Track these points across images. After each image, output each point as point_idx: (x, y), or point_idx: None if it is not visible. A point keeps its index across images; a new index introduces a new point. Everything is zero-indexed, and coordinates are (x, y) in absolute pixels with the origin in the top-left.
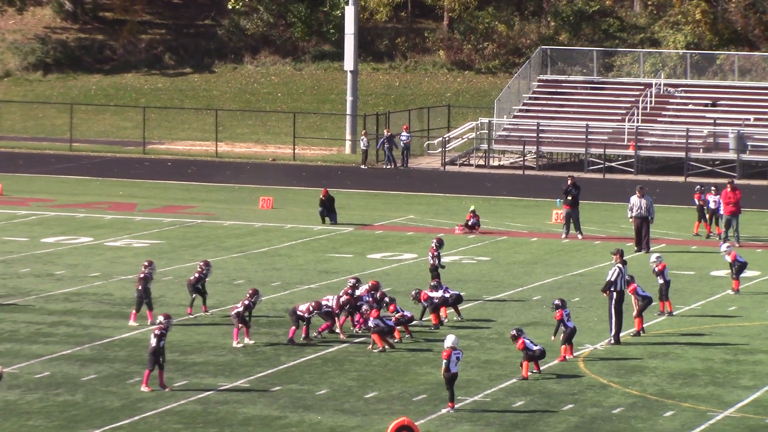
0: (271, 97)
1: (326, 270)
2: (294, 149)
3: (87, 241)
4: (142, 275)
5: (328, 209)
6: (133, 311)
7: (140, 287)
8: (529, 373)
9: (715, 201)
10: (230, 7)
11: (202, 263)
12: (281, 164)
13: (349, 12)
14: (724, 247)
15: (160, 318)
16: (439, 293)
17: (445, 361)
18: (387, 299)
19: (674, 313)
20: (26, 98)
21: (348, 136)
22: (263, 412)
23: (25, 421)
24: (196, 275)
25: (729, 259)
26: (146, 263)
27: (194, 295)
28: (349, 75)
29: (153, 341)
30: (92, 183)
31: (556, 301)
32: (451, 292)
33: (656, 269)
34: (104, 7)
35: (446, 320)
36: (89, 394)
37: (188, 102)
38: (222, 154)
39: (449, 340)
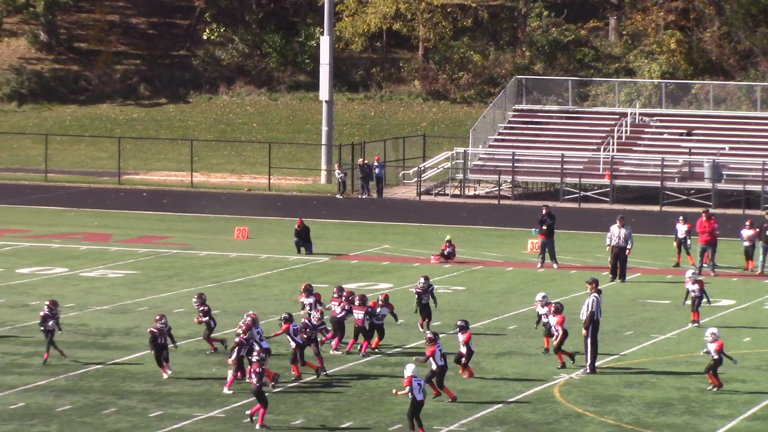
0: (247, 127)
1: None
2: (269, 179)
3: (62, 271)
4: (42, 313)
5: (303, 239)
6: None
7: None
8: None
9: (685, 231)
10: (205, 38)
11: (49, 303)
12: (256, 194)
13: (325, 42)
14: (689, 272)
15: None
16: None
17: (407, 388)
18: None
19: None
20: (1, 129)
21: (323, 166)
22: None
23: None
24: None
25: (692, 287)
26: (49, 303)
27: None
28: (324, 105)
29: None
30: (67, 213)
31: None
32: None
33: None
34: (79, 37)
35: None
36: (64, 425)
37: (163, 132)
38: (197, 184)
39: (409, 368)
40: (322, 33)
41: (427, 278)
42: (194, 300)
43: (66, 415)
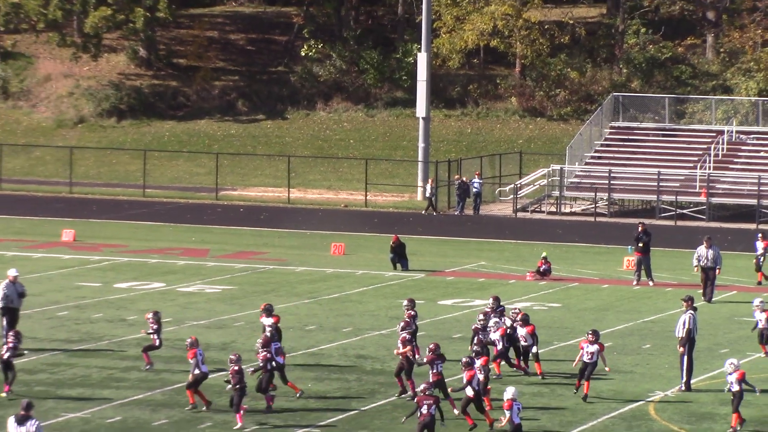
0: (343, 143)
1: (397, 316)
2: (366, 195)
3: (159, 286)
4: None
5: (399, 255)
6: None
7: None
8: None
9: (762, 248)
10: (303, 54)
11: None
12: (353, 210)
13: (422, 59)
14: (757, 301)
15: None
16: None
17: (507, 412)
18: None
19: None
20: (100, 144)
21: (420, 183)
22: None
23: None
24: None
25: (760, 316)
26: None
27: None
28: (421, 121)
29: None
30: (165, 229)
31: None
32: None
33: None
34: (178, 53)
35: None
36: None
37: (261, 148)
38: (294, 200)
39: (509, 391)
40: (419, 50)
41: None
42: (149, 317)
43: (162, 429)
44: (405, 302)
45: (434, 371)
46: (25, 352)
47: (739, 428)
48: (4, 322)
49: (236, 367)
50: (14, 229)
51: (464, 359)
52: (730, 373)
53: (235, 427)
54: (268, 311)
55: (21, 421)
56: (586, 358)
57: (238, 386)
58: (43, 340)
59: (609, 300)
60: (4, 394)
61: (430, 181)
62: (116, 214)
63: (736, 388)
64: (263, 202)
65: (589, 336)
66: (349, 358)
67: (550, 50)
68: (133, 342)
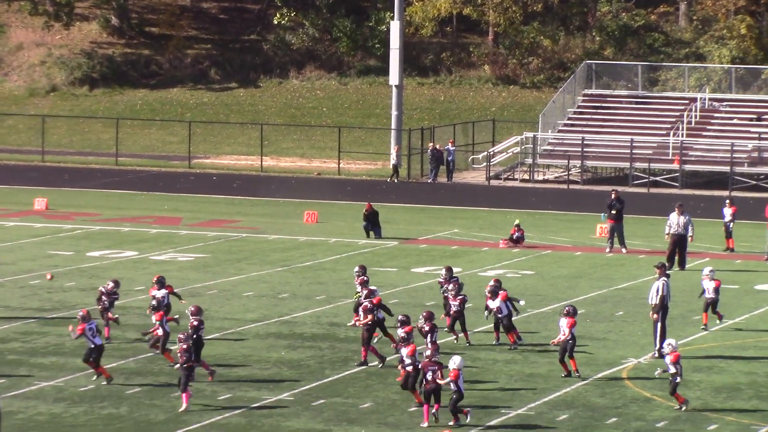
0: (316, 111)
1: (372, 284)
2: (339, 163)
3: (132, 255)
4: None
5: (372, 223)
6: None
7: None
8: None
9: (730, 214)
10: (276, 23)
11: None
12: (326, 178)
13: (395, 27)
14: (706, 270)
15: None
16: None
17: (452, 381)
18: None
19: (710, 328)
20: (72, 113)
21: (393, 151)
22: (307, 425)
23: None
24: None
25: (709, 285)
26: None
27: None
28: (394, 89)
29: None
30: (138, 197)
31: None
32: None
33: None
34: (150, 22)
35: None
36: (134, 408)
37: (234, 116)
38: (267, 169)
39: (455, 361)
40: (392, 18)
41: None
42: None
43: (135, 397)
44: (356, 269)
45: (432, 340)
46: None
47: (684, 408)
48: None
49: (184, 346)
50: None
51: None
52: (666, 354)
53: (180, 409)
54: (161, 283)
55: None
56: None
57: (186, 365)
58: (15, 309)
59: (582, 267)
60: None
61: (395, 148)
62: (89, 182)
63: (672, 370)
64: (236, 170)
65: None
66: (322, 326)
67: (523, 18)
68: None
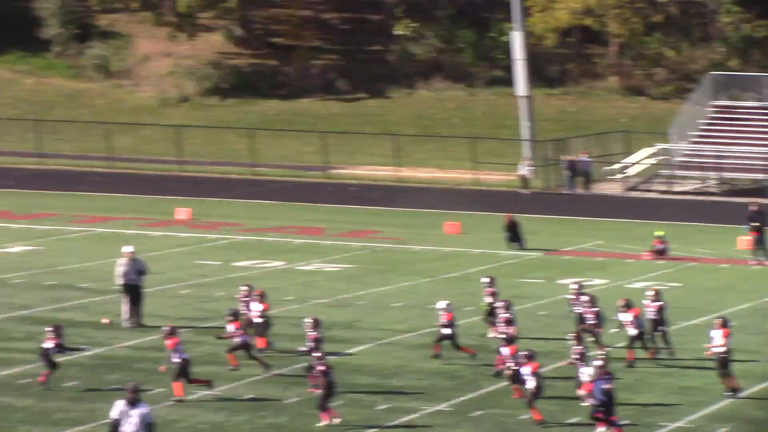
0: (448, 122)
1: (518, 295)
2: (474, 174)
3: (279, 264)
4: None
5: (514, 234)
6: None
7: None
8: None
9: None
10: (397, 33)
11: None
12: (463, 189)
13: (515, 38)
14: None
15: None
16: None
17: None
18: None
19: None
20: (206, 123)
21: (523, 163)
22: None
23: None
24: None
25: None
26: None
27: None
28: (521, 101)
29: None
30: (278, 207)
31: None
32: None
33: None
34: (274, 32)
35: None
36: (294, 417)
37: (366, 127)
38: (404, 179)
39: (587, 372)
40: (512, 29)
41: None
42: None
43: (295, 407)
44: (484, 279)
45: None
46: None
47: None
48: (127, 299)
49: (322, 368)
50: (130, 207)
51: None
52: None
53: (318, 424)
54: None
55: (133, 403)
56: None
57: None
58: (168, 318)
59: (729, 279)
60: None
61: (525, 161)
62: (228, 192)
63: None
64: (374, 180)
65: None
66: (473, 336)
67: (644, 29)
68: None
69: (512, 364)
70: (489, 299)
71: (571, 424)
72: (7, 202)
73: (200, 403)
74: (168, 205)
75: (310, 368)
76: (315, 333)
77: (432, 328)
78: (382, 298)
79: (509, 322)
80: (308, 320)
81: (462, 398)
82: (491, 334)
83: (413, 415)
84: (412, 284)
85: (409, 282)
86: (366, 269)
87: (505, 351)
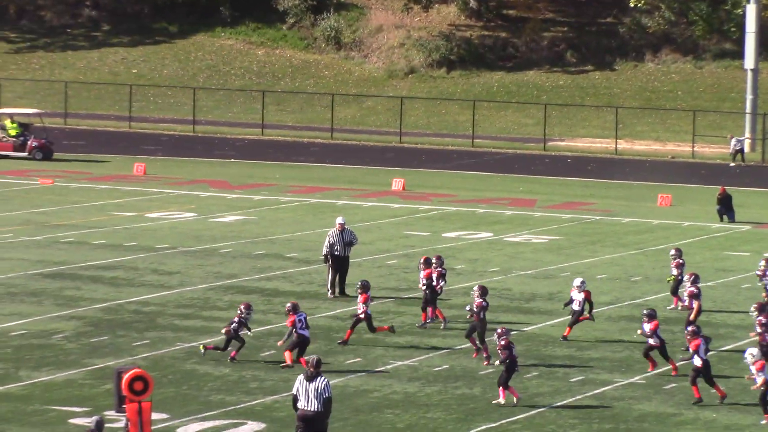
0: (671, 95)
1: (723, 268)
2: (693, 147)
3: (487, 236)
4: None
5: (726, 207)
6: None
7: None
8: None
9: None
10: (632, 5)
11: (243, 306)
12: (680, 162)
13: (750, 10)
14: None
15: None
16: None
17: (761, 373)
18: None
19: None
20: (430, 95)
21: (747, 135)
22: (658, 409)
23: (424, 413)
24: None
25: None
26: (243, 306)
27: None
28: (749, 73)
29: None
30: (493, 179)
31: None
32: None
33: None
34: (508, 5)
35: None
36: (487, 388)
37: (588, 99)
38: (621, 152)
39: (753, 351)
40: (748, 1)
41: None
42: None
43: (489, 378)
44: (672, 252)
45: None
46: (250, 333)
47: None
48: (332, 270)
49: (503, 342)
50: (345, 178)
51: (691, 328)
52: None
53: (495, 401)
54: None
55: (311, 378)
56: None
57: (507, 361)
58: (373, 288)
59: None
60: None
61: (730, 136)
62: (445, 163)
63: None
64: (590, 153)
65: None
66: (675, 309)
67: None
68: (460, 291)
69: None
70: (675, 271)
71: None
72: (226, 172)
73: (394, 373)
74: (384, 176)
75: (473, 330)
76: (481, 300)
77: (632, 300)
78: (586, 269)
79: (694, 296)
80: (476, 288)
81: (657, 371)
82: (670, 306)
83: (606, 387)
84: (619, 256)
85: (615, 254)
86: (573, 241)
87: (647, 327)
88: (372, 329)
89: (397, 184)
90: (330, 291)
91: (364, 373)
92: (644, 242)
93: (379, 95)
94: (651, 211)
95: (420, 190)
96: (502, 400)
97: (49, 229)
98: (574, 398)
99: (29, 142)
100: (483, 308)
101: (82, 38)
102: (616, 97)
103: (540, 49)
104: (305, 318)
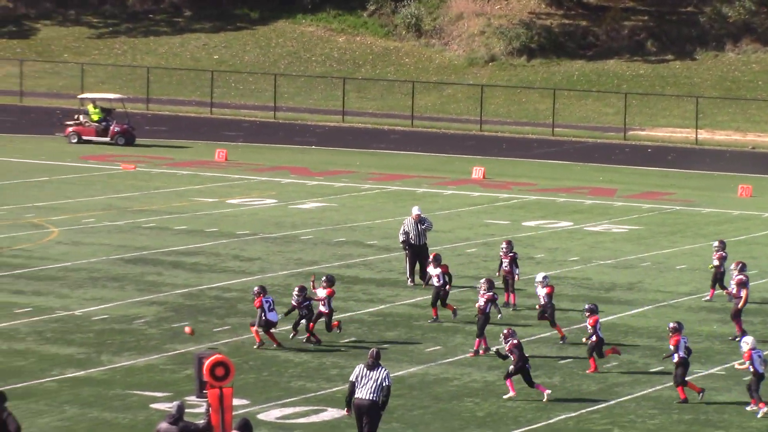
0: (752, 85)
1: None
2: None
3: (567, 225)
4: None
5: None
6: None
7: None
8: None
9: None
10: None
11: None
12: (761, 152)
13: None
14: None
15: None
16: None
17: (746, 362)
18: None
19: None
20: (510, 83)
21: None
22: (739, 399)
23: (503, 402)
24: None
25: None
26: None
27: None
28: None
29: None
30: (573, 168)
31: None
32: None
33: None
34: None
35: None
36: (566, 377)
37: (669, 89)
38: (701, 142)
39: (748, 341)
40: None
41: None
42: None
43: (568, 367)
44: (715, 244)
45: None
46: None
47: None
48: (410, 258)
49: (515, 342)
50: (425, 166)
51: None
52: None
53: (506, 396)
54: (437, 261)
55: (371, 367)
56: None
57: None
58: (453, 277)
59: None
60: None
61: None
62: (525, 152)
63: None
64: (670, 142)
65: None
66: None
67: None
68: (531, 280)
69: None
70: (716, 262)
71: None
72: (306, 159)
73: (473, 361)
74: (464, 164)
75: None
76: (490, 294)
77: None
78: (666, 260)
79: (742, 284)
80: (483, 281)
81: (737, 361)
82: (706, 297)
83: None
84: (698, 246)
85: (695, 244)
86: (653, 231)
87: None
88: (329, 328)
89: (477, 172)
90: (409, 279)
91: (444, 362)
92: (724, 233)
93: (460, 83)
94: (731, 202)
95: (500, 179)
96: (512, 394)
97: (130, 215)
98: (653, 388)
99: (111, 128)
100: (492, 301)
101: (164, 24)
102: (696, 86)
103: (620, 38)
104: (272, 300)
